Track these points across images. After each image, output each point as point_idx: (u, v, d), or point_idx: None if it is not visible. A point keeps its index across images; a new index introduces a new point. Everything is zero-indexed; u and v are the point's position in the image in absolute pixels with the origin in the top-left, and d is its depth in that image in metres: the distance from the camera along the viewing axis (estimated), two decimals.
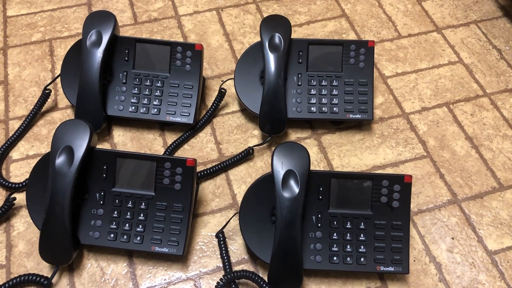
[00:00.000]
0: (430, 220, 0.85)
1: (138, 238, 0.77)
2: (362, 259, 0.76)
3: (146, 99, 0.92)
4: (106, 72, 0.93)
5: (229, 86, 1.00)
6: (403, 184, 0.77)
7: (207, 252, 0.81)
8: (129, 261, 0.80)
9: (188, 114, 0.92)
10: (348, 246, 0.76)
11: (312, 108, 0.92)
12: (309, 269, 0.76)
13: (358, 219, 0.77)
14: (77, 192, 0.77)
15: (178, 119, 0.92)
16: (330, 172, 0.77)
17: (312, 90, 0.93)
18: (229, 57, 1.06)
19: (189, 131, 0.94)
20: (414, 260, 0.80)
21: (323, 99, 0.93)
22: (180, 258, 0.80)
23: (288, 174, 0.73)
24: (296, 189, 0.73)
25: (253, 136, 0.95)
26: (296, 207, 0.72)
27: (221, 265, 0.80)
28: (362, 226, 0.77)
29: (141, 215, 0.78)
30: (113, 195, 0.78)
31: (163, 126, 0.96)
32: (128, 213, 0.78)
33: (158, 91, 0.92)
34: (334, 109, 0.92)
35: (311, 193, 0.77)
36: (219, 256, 0.81)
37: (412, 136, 0.96)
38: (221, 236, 0.80)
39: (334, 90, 0.93)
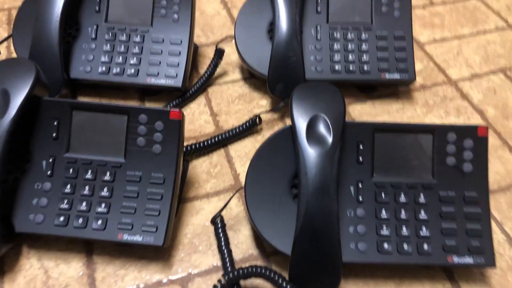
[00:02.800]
0: (506, 204, 0.62)
1: (99, 222, 0.53)
2: (425, 247, 0.52)
3: (120, 58, 0.71)
4: (71, 25, 0.72)
5: (228, 54, 0.80)
6: (476, 138, 0.54)
7: (200, 246, 0.57)
8: (86, 260, 0.55)
9: (175, 76, 0.70)
10: (404, 229, 0.52)
11: (337, 67, 0.71)
12: (348, 262, 0.51)
13: (415, 190, 0.54)
14: (14, 158, 0.54)
15: (161, 81, 0.70)
16: (374, 124, 0.55)
17: (336, 45, 0.72)
18: (228, 24, 0.87)
19: (177, 99, 0.72)
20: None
21: (350, 56, 0.72)
22: (160, 253, 0.56)
23: (315, 120, 0.51)
24: (328, 140, 0.50)
25: (260, 107, 0.73)
26: (329, 166, 0.49)
27: (219, 263, 0.55)
28: (422, 199, 0.53)
29: (104, 190, 0.54)
30: (66, 162, 0.55)
31: (143, 96, 0.74)
32: (86, 187, 0.54)
33: (136, 48, 0.71)
34: (365, 67, 0.71)
35: (348, 153, 0.54)
36: (215, 251, 0.56)
37: (465, 105, 0.74)
38: (218, 222, 0.56)
39: (364, 45, 0.72)
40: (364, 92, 0.75)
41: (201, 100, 0.74)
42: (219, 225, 0.56)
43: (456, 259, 0.52)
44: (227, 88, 0.76)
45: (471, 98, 0.75)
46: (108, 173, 0.55)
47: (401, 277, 0.55)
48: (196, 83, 0.74)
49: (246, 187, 0.54)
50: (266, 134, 0.69)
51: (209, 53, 0.81)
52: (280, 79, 0.68)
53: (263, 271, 0.50)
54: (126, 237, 0.53)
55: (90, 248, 0.56)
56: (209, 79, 0.74)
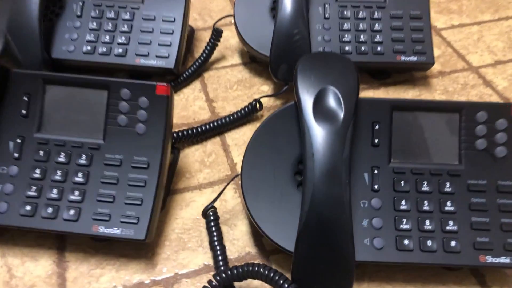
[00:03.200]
0: None
1: (72, 212, 0.46)
2: (452, 244, 0.44)
3: (108, 36, 0.64)
4: (54, 2, 0.65)
5: (227, 37, 0.73)
6: (511, 118, 0.47)
7: (189, 243, 0.49)
8: (57, 257, 0.48)
9: (167, 56, 0.63)
10: (427, 222, 0.45)
11: (347, 48, 0.64)
12: (361, 261, 0.44)
13: (440, 177, 0.46)
14: None
15: (152, 62, 0.63)
16: (392, 101, 0.47)
17: (346, 25, 0.65)
18: (227, 8, 0.80)
19: (170, 83, 0.65)
20: None
21: (362, 36, 0.64)
22: (143, 250, 0.48)
23: (323, 94, 0.44)
24: (340, 116, 0.42)
25: (261, 93, 0.66)
26: (339, 146, 0.42)
27: (211, 262, 0.47)
28: (448, 189, 0.45)
29: (79, 175, 0.47)
30: (36, 143, 0.48)
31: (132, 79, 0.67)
32: (58, 172, 0.47)
33: (125, 26, 0.64)
34: (378, 48, 0.64)
35: (362, 135, 0.47)
36: (207, 248, 0.49)
37: (489, 92, 0.67)
38: (211, 215, 0.49)
39: (377, 25, 0.65)
40: (377, 78, 0.68)
41: (196, 85, 0.67)
42: (211, 218, 0.48)
43: (489, 259, 0.44)
44: (225, 73, 0.69)
45: (495, 85, 0.68)
46: (84, 156, 0.47)
47: (423, 280, 0.47)
48: (191, 66, 0.67)
49: (242, 174, 0.46)
50: None
51: (206, 37, 0.74)
52: (283, 60, 0.61)
53: (261, 270, 0.42)
54: (102, 229, 0.45)
55: (62, 244, 0.49)
56: (205, 63, 0.67)
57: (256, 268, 0.42)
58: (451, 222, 0.44)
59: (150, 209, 0.46)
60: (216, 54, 0.70)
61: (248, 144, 0.47)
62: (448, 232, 0.44)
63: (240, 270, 0.42)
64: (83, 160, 0.47)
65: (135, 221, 0.45)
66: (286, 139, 0.47)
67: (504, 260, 0.43)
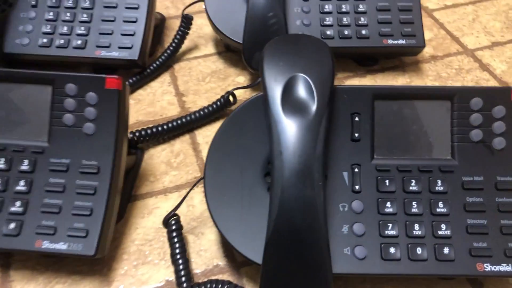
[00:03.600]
0: None
1: (12, 225, 0.40)
2: (445, 251, 0.38)
3: (66, 27, 0.58)
4: None
5: (201, 26, 0.67)
6: (510, 104, 0.41)
7: (150, 256, 0.44)
8: (1, 276, 0.42)
9: (130, 46, 0.57)
10: (417, 227, 0.39)
11: (328, 32, 0.58)
12: (341, 274, 0.38)
13: (430, 174, 0.40)
14: None
15: (114, 53, 0.57)
16: (373, 88, 0.42)
17: (327, 6, 0.59)
18: None
19: (135, 77, 0.59)
20: None
21: (345, 19, 0.59)
22: (98, 266, 0.43)
23: (293, 82, 0.38)
24: (311, 107, 0.37)
25: (236, 85, 0.60)
26: (311, 141, 0.36)
27: (174, 278, 0.42)
28: (439, 187, 0.40)
29: (21, 183, 0.41)
30: None
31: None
32: None
33: (85, 15, 0.59)
34: (363, 32, 0.58)
35: (339, 129, 0.41)
36: (170, 262, 0.43)
37: (486, 77, 0.61)
38: (172, 224, 0.43)
39: (361, 6, 0.59)
40: (363, 65, 0.62)
41: (165, 78, 0.61)
42: (173, 227, 0.43)
43: (488, 267, 0.38)
44: (197, 64, 0.63)
45: (492, 69, 0.62)
46: (26, 162, 0.42)
47: None
48: (159, 57, 0.61)
49: (205, 177, 0.41)
50: None
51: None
52: (257, 47, 0.55)
53: (222, 286, 0.36)
54: (46, 245, 0.40)
55: (6, 261, 0.43)
56: (175, 53, 0.62)
57: (219, 286, 0.37)
58: (443, 226, 0.39)
59: (101, 219, 0.40)
60: (188, 43, 0.64)
61: (212, 143, 0.41)
62: (441, 237, 0.39)
63: (199, 287, 0.37)
64: (25, 166, 0.42)
65: (83, 234, 0.40)
66: (254, 135, 0.41)
67: (504, 268, 0.38)
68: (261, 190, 0.40)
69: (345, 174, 0.40)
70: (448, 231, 0.39)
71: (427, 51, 0.64)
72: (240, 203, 0.40)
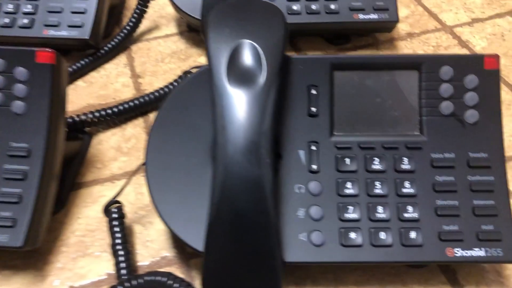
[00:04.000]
0: None
1: None
2: (412, 235, 0.34)
3: (11, 5, 0.54)
4: None
5: (163, 5, 0.63)
6: (483, 73, 0.37)
7: (91, 248, 0.40)
8: None
9: (80, 25, 0.53)
10: (380, 209, 0.35)
11: (295, 7, 0.54)
12: (296, 262, 0.34)
13: (396, 152, 0.36)
14: None
15: (63, 33, 0.53)
16: (332, 58, 0.37)
17: None
18: None
19: (87, 58, 0.55)
20: None
21: None
22: (32, 259, 0.39)
23: (240, 50, 0.34)
24: (259, 77, 0.33)
25: (197, 65, 0.56)
26: (259, 114, 0.32)
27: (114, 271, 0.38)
28: (406, 166, 0.36)
29: None
30: None
31: None
32: None
33: None
34: (332, 6, 0.54)
35: (294, 103, 0.37)
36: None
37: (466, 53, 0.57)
38: (113, 212, 0.39)
39: None
40: (334, 43, 0.58)
41: (121, 59, 0.57)
42: (114, 216, 0.38)
43: (459, 252, 0.34)
44: (157, 44, 0.59)
45: (472, 46, 0.58)
46: None
47: (380, 281, 0.37)
48: (115, 37, 0.56)
49: (147, 161, 0.37)
50: None
51: None
52: None
53: (164, 279, 0.32)
54: None
55: None
56: (132, 33, 0.57)
57: (159, 278, 0.33)
58: (410, 208, 0.35)
59: (30, 208, 0.36)
60: (148, 23, 0.60)
61: (154, 123, 0.37)
62: (407, 220, 0.35)
63: (137, 281, 0.33)
64: None
65: (10, 223, 0.36)
66: (201, 113, 0.37)
67: (477, 252, 0.34)
68: (208, 173, 0.36)
69: (301, 152, 0.36)
70: (415, 214, 0.35)
71: (403, 28, 0.60)
72: (186, 188, 0.36)
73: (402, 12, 0.62)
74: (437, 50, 0.57)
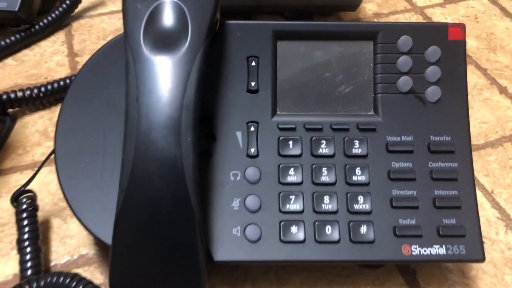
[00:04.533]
0: (499, 164, 0.40)
1: None
2: (363, 229, 0.29)
3: None
4: None
5: None
6: (447, 44, 0.32)
7: None
8: None
9: None
10: (327, 199, 0.30)
11: None
12: (227, 261, 0.29)
13: (346, 133, 0.31)
14: None
15: None
16: (275, 25, 0.32)
17: None
18: None
19: (19, 34, 0.49)
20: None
21: None
22: None
23: (160, 9, 0.28)
24: (183, 40, 0.27)
25: None
26: (179, 83, 0.27)
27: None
28: (357, 149, 0.31)
29: None
30: None
31: None
32: None
33: None
34: None
35: (232, 76, 0.32)
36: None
37: None
38: (23, 203, 0.33)
39: None
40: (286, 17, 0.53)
41: (58, 36, 0.51)
42: (23, 207, 0.33)
43: (416, 250, 0.29)
44: (100, 21, 0.53)
45: None
46: None
47: (329, 283, 0.32)
48: (51, 12, 0.51)
49: (56, 144, 0.31)
50: None
51: None
52: None
53: (64, 280, 0.27)
54: None
55: None
56: (72, 8, 0.52)
57: (61, 279, 0.27)
58: (361, 198, 0.30)
59: None
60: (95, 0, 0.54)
61: (64, 101, 0.32)
62: (357, 212, 0.30)
63: (36, 284, 0.27)
64: None
65: None
66: (118, 86, 0.31)
67: (437, 250, 0.29)
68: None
69: (239, 134, 0.31)
70: (367, 205, 0.30)
71: (370, 8, 0.56)
72: (100, 174, 0.30)
73: None
74: None
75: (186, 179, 0.26)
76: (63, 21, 0.52)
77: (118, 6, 0.55)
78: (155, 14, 0.28)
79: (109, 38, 0.51)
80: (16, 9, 0.47)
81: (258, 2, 0.49)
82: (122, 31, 0.49)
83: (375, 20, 0.54)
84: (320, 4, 0.51)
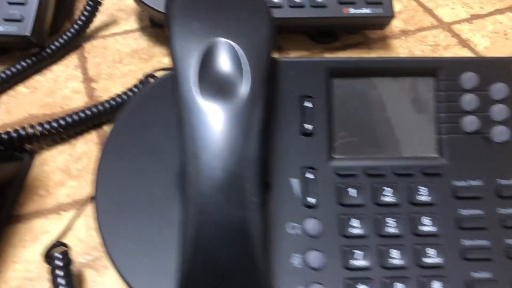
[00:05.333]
0: None
1: None
2: (435, 286, 0.27)
3: None
4: None
5: None
6: None
7: None
8: None
9: (19, 19, 0.44)
10: (396, 254, 0.27)
11: (276, 0, 0.46)
12: None
13: (411, 179, 0.29)
14: None
15: None
16: (329, 62, 0.30)
17: None
18: None
19: (30, 58, 0.46)
20: None
21: None
22: None
23: (214, 51, 0.26)
24: (242, 87, 0.25)
25: (162, 66, 0.47)
26: (242, 136, 0.24)
27: None
28: (423, 196, 0.29)
29: None
30: None
31: None
32: None
33: None
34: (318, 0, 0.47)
35: (284, 118, 0.29)
36: None
37: (468, 54, 0.51)
38: (57, 258, 0.30)
39: None
40: (320, 41, 0.51)
41: (71, 60, 0.48)
42: (57, 263, 0.30)
43: None
44: (114, 42, 0.50)
45: (474, 45, 0.52)
46: None
47: None
48: (63, 34, 0.48)
49: (97, 196, 0.28)
50: None
51: None
52: None
53: None
54: None
55: None
56: (84, 29, 0.49)
57: None
58: (433, 252, 0.28)
59: None
60: (104, 17, 0.52)
61: (105, 144, 0.29)
62: (429, 267, 0.28)
63: None
64: None
65: None
66: (165, 131, 0.29)
67: None
68: (177, 209, 0.28)
69: (294, 181, 0.29)
70: (439, 258, 0.28)
71: (396, 25, 0.53)
72: (146, 229, 0.28)
73: (394, 6, 0.55)
74: (435, 50, 0.51)
75: (253, 244, 0.23)
76: (75, 43, 0.49)
77: (132, 25, 0.52)
78: (207, 58, 0.26)
79: (125, 61, 0.48)
80: (29, 34, 0.44)
81: (283, 22, 0.47)
82: (138, 52, 0.46)
83: (403, 37, 0.52)
84: (348, 24, 0.48)
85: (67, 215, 0.36)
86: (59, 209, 0.36)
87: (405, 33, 0.53)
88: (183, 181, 0.24)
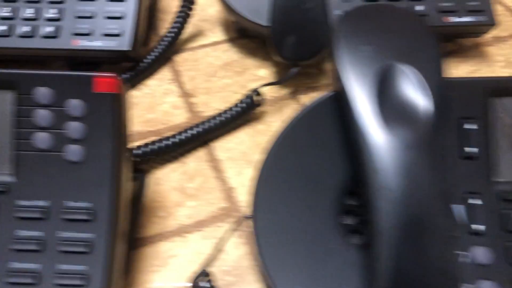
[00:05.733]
0: None
1: None
2: None
3: (30, 10, 0.44)
4: None
5: (204, 6, 0.53)
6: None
7: None
8: None
9: (118, 34, 0.43)
10: None
11: (417, 8, 0.45)
12: None
13: None
14: None
15: (97, 43, 0.43)
16: (486, 81, 0.29)
17: None
18: None
19: (127, 73, 0.45)
20: None
21: None
22: None
23: (390, 76, 0.24)
24: (425, 113, 0.24)
25: (258, 79, 0.47)
26: (431, 168, 0.23)
27: None
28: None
29: None
30: None
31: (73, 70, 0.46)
32: None
33: None
34: (417, 8, 0.45)
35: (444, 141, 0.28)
36: None
37: None
38: (204, 286, 0.29)
39: None
40: None
41: (164, 74, 0.47)
42: None
43: None
44: (204, 54, 0.49)
45: None
46: None
47: None
48: (156, 47, 0.47)
49: (256, 217, 0.27)
50: (272, 120, 0.43)
51: (173, 7, 0.54)
52: (289, 28, 0.42)
53: None
54: None
55: None
56: (175, 41, 0.48)
57: None
58: None
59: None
60: (190, 29, 0.51)
61: (262, 168, 0.28)
62: None
63: None
64: None
65: None
66: (324, 155, 0.28)
67: None
68: (334, 235, 0.27)
69: (458, 208, 0.27)
70: None
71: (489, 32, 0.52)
72: (305, 254, 0.27)
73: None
74: None
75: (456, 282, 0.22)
76: (166, 55, 0.48)
77: (219, 36, 0.51)
78: (386, 82, 0.24)
79: (219, 75, 0.47)
80: (129, 48, 0.43)
81: None
82: (230, 65, 0.45)
83: (497, 44, 0.51)
84: (447, 32, 0.47)
85: (192, 237, 0.35)
86: (182, 231, 0.36)
87: (498, 39, 0.51)
88: (370, 215, 0.23)
